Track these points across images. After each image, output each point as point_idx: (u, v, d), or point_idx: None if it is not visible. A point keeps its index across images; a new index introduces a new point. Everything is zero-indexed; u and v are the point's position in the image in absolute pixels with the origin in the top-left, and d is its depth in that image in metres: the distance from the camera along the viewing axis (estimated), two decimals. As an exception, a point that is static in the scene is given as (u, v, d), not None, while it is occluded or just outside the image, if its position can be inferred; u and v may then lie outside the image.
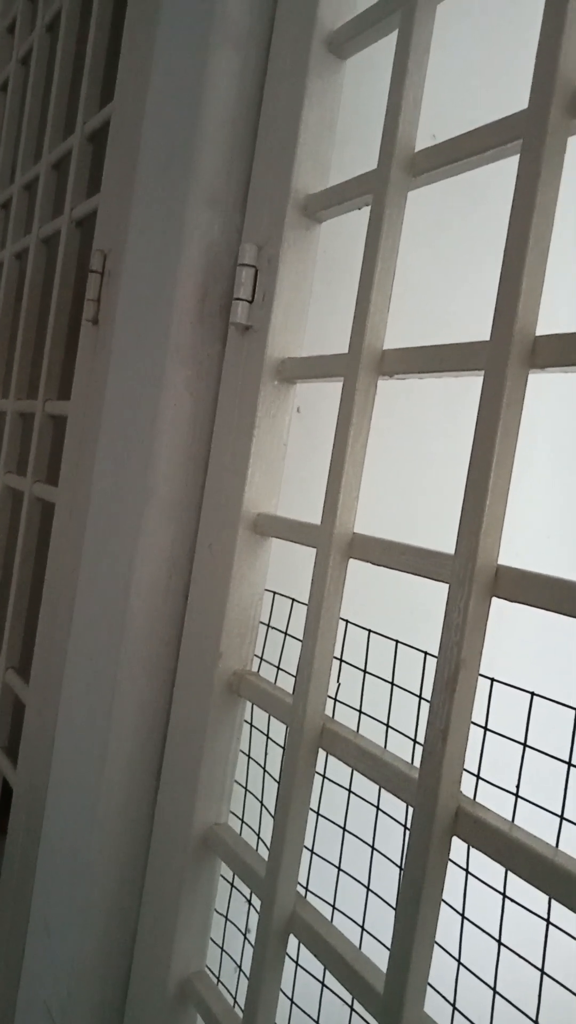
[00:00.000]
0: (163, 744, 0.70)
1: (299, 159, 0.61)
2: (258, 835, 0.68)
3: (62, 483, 0.86)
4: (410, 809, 0.44)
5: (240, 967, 0.66)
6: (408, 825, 0.52)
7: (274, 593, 0.67)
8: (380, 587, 0.69)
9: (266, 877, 0.55)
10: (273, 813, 0.63)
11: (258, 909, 0.57)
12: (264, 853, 0.60)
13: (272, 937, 0.55)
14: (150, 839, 0.70)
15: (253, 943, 0.56)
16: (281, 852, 0.54)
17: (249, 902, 0.67)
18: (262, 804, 0.67)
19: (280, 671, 0.66)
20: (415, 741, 0.55)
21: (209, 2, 0.65)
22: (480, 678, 0.44)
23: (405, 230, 0.53)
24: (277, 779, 0.67)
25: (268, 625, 0.68)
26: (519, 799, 0.47)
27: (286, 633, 0.66)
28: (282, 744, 0.65)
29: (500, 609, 0.44)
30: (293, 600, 0.66)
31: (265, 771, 0.67)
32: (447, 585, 0.44)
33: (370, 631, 0.59)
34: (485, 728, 0.50)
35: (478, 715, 0.45)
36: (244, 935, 0.67)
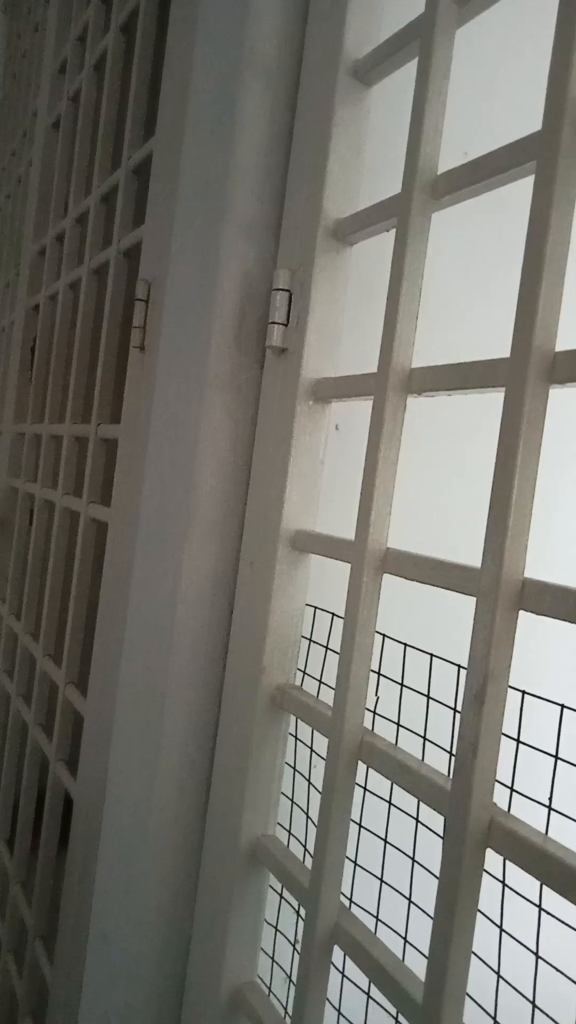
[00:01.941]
0: (212, 757, 0.71)
1: (328, 185, 0.63)
2: (304, 846, 0.69)
3: (114, 504, 0.89)
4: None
5: (290, 977, 0.67)
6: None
7: (315, 608, 0.69)
8: (419, 600, 0.70)
9: (310, 888, 0.56)
10: (318, 825, 0.64)
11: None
12: (310, 864, 0.61)
13: (316, 947, 0.56)
14: (201, 850, 0.72)
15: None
16: (323, 863, 0.55)
17: (298, 913, 0.68)
18: (307, 816, 0.68)
19: (323, 684, 0.67)
20: (451, 753, 0.55)
21: (239, 38, 0.68)
22: (511, 690, 0.44)
23: (441, 250, 0.54)
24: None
25: (310, 639, 0.69)
26: (551, 811, 0.47)
27: (327, 647, 0.68)
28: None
29: (536, 622, 0.44)
30: (333, 615, 0.68)
31: (310, 783, 0.68)
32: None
33: (406, 645, 0.60)
34: (517, 740, 0.50)
35: (511, 727, 0.46)
36: (293, 946, 0.68)
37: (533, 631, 0.49)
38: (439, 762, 0.53)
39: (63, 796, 1.05)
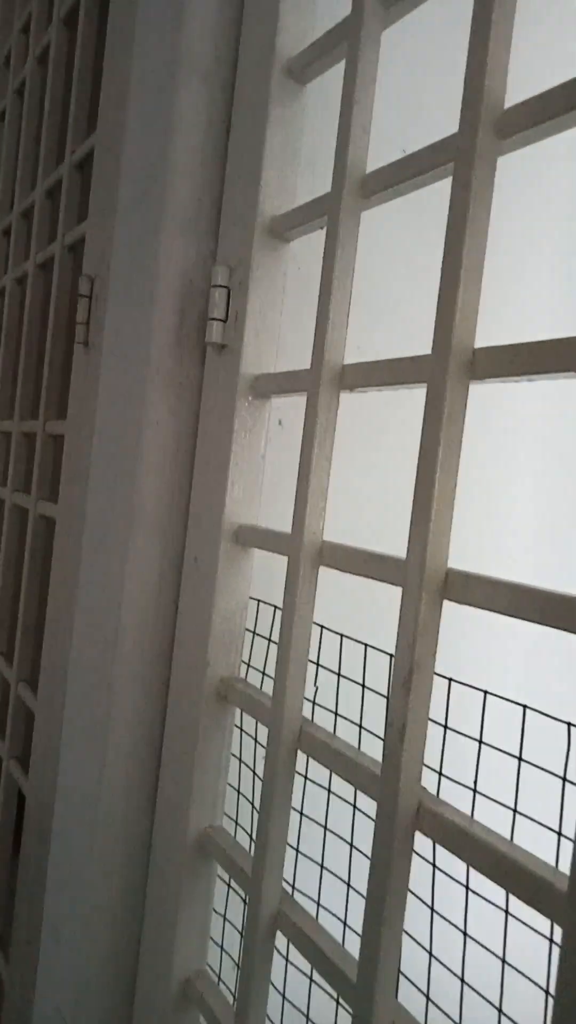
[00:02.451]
0: (159, 751, 0.72)
1: (265, 182, 0.64)
2: (251, 836, 0.70)
3: (61, 501, 0.89)
4: (376, 806, 0.46)
5: (239, 965, 0.69)
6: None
7: (259, 601, 0.69)
8: (356, 592, 0.71)
9: (252, 876, 0.58)
10: (263, 815, 0.65)
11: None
12: (255, 854, 0.62)
13: (260, 934, 0.57)
14: (150, 843, 0.72)
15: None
16: (265, 851, 0.56)
17: (245, 901, 0.69)
18: (253, 806, 0.69)
19: (267, 677, 0.68)
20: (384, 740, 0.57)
21: (176, 37, 0.68)
22: (438, 678, 0.46)
23: (383, 245, 0.55)
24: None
25: (254, 632, 0.70)
26: (477, 795, 0.48)
27: (270, 639, 0.69)
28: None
29: (468, 612, 0.45)
30: (276, 607, 0.69)
31: (255, 774, 0.69)
32: (402, 590, 0.46)
33: (342, 635, 0.61)
34: (445, 726, 0.52)
35: (439, 714, 0.47)
36: (241, 934, 0.69)
37: (463, 621, 0.50)
38: (378, 752, 0.54)
39: (16, 794, 1.05)
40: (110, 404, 0.77)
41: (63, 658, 0.83)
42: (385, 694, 0.57)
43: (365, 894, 0.45)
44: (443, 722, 0.51)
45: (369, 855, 0.46)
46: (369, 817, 0.59)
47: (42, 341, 1.12)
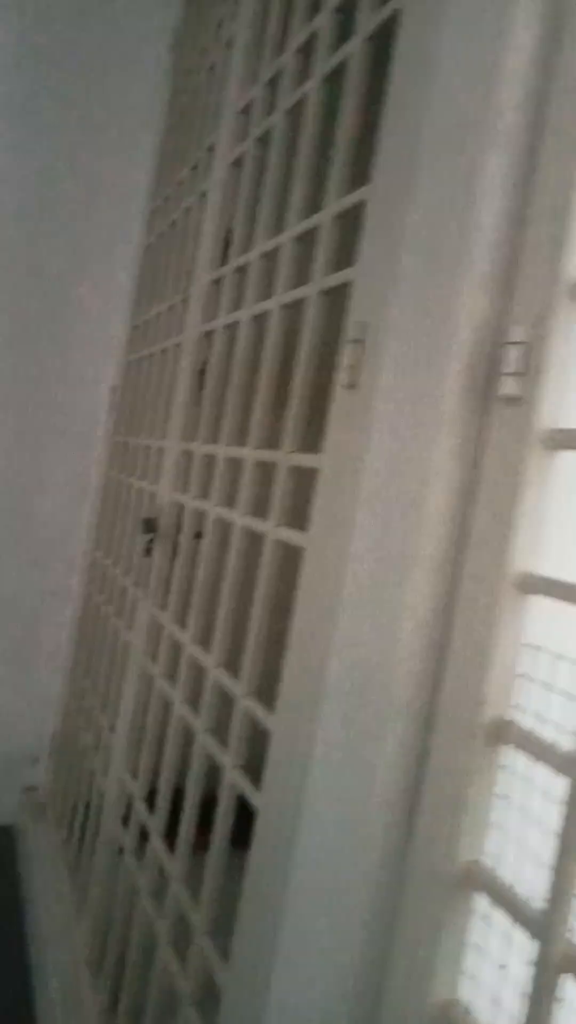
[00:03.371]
0: (418, 786, 0.75)
1: (568, 248, 0.67)
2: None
3: (313, 530, 0.94)
4: None
5: (496, 1001, 0.71)
6: None
7: (536, 647, 0.72)
8: None
9: (544, 916, 0.59)
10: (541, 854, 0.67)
11: (527, 945, 0.62)
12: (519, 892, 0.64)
13: (548, 975, 0.59)
14: (403, 870, 0.75)
15: (523, 979, 0.60)
16: (562, 893, 0.58)
17: (511, 938, 0.71)
18: (520, 847, 0.71)
19: (542, 721, 0.70)
20: None
21: (483, 104, 0.72)
22: None
23: None
24: (536, 821, 0.71)
25: (529, 678, 0.72)
26: None
27: (549, 686, 0.70)
28: (542, 789, 0.69)
29: None
30: (556, 655, 0.71)
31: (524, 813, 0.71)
32: None
33: None
34: None
35: None
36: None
37: None
38: None
39: (236, 800, 1.11)
40: (383, 447, 0.81)
41: (313, 684, 0.88)
42: None
43: None
44: None
45: None
46: None
47: (281, 378, 1.19)
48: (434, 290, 0.76)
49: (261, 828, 0.97)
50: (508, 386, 0.70)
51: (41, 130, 2.26)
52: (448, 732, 0.72)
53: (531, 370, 0.69)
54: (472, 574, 0.73)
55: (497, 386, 0.71)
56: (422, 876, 0.73)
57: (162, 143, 2.20)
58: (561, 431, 0.67)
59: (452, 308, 0.73)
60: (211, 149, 1.69)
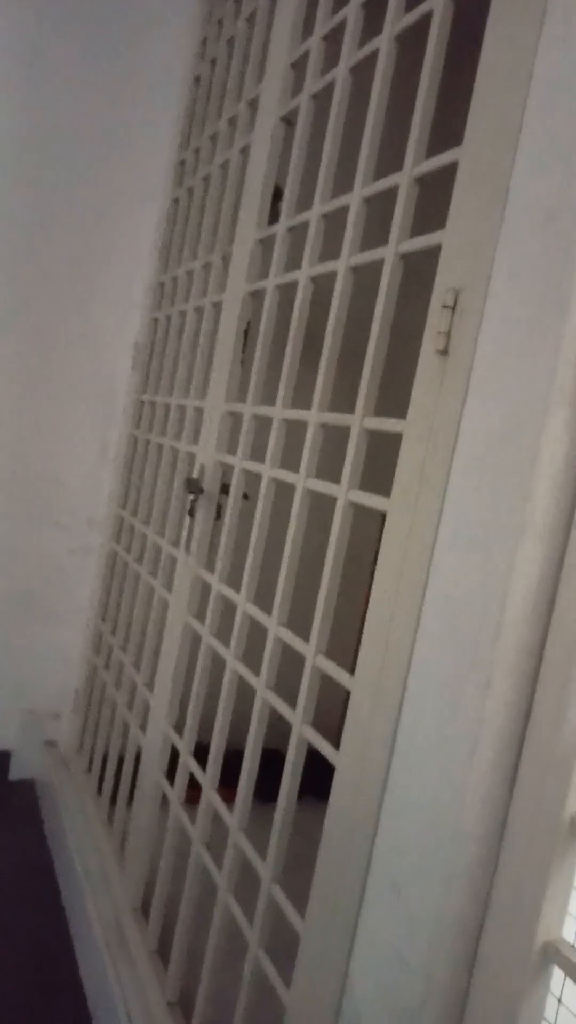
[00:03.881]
0: (521, 738, 0.78)
1: None
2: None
3: (395, 495, 0.96)
4: None
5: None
6: None
7: None
8: None
9: None
10: None
11: None
12: None
13: None
14: (506, 819, 0.79)
15: None
16: None
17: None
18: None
19: None
20: None
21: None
22: None
23: None
24: None
25: None
26: None
27: None
28: None
29: None
30: None
31: None
32: None
33: None
34: None
35: None
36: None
37: None
38: None
39: (306, 755, 1.15)
40: (486, 415, 0.83)
41: (399, 648, 0.91)
42: None
43: None
44: None
45: None
46: None
47: (347, 341, 1.19)
48: (547, 266, 0.77)
49: (338, 786, 1.00)
50: (626, 357, 0.71)
51: (63, 81, 2.20)
52: (553, 685, 0.75)
53: None
54: (583, 540, 0.75)
55: (612, 357, 0.73)
56: (527, 824, 0.76)
57: (190, 94, 2.15)
58: None
59: (563, 280, 0.74)
60: (253, 103, 1.66)
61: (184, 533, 1.68)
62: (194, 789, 1.52)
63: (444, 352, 0.90)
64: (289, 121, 1.49)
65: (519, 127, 0.83)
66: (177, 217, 2.14)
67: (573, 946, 0.75)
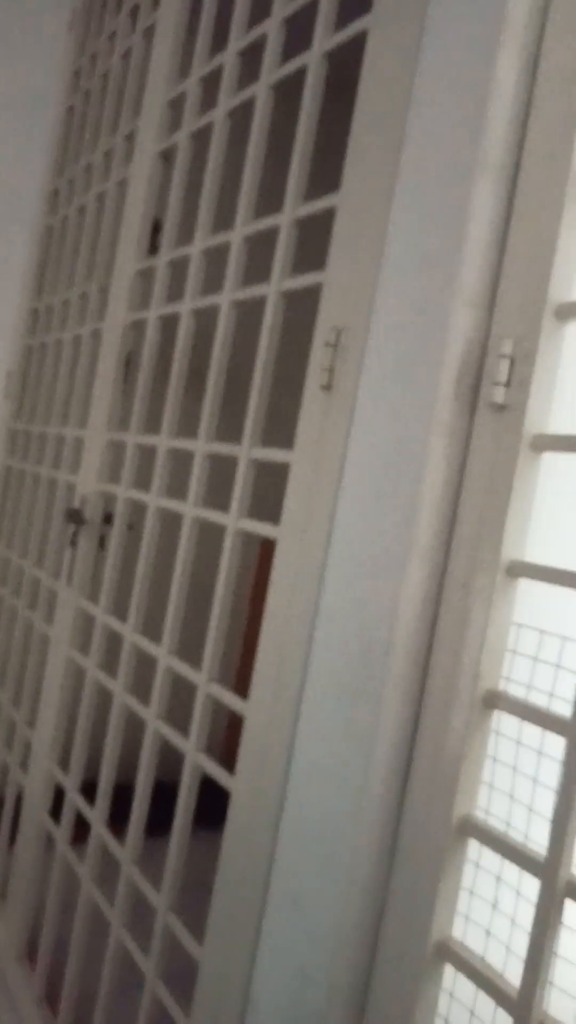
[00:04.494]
0: (411, 748, 0.83)
1: (555, 273, 0.76)
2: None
3: (285, 523, 1.00)
4: None
5: (489, 932, 0.80)
6: None
7: (518, 625, 0.81)
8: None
9: (546, 861, 0.69)
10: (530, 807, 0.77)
11: (518, 883, 0.71)
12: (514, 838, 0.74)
13: (552, 903, 0.68)
14: (398, 827, 0.83)
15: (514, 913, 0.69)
16: (564, 831, 0.68)
17: (498, 882, 0.81)
18: (512, 799, 0.81)
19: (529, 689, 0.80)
20: None
21: (473, 139, 0.80)
22: None
23: None
24: (527, 777, 0.81)
25: (515, 652, 0.82)
26: None
27: (535, 659, 0.80)
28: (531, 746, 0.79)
29: None
30: (540, 631, 0.80)
31: (515, 771, 0.81)
32: None
33: None
34: None
35: None
36: (496, 908, 0.81)
37: None
38: None
39: (199, 781, 1.16)
40: (368, 446, 0.88)
41: (291, 670, 0.94)
42: None
43: None
44: None
45: None
46: None
47: (233, 372, 1.23)
48: (423, 305, 0.83)
49: (234, 810, 1.02)
50: (497, 395, 0.78)
51: None
52: (439, 704, 0.81)
53: (518, 381, 0.78)
54: (462, 560, 0.81)
55: (486, 394, 0.80)
56: (418, 828, 0.81)
57: (63, 124, 2.14)
58: (545, 436, 0.77)
59: (443, 324, 0.80)
60: (130, 137, 1.68)
61: (65, 565, 1.65)
62: (80, 828, 1.49)
63: (328, 387, 0.95)
64: (167, 157, 1.52)
65: (394, 177, 0.90)
66: (51, 245, 2.12)
67: (463, 943, 0.79)
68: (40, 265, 2.18)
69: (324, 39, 1.06)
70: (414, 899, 0.81)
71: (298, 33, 1.19)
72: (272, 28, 1.19)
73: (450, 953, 0.79)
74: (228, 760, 1.05)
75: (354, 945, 0.83)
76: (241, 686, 1.04)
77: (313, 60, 1.08)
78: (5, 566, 2.11)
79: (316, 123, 1.09)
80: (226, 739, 1.05)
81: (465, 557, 0.81)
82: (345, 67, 1.06)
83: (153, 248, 1.55)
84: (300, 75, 1.12)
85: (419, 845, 0.81)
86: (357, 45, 1.00)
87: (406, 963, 0.81)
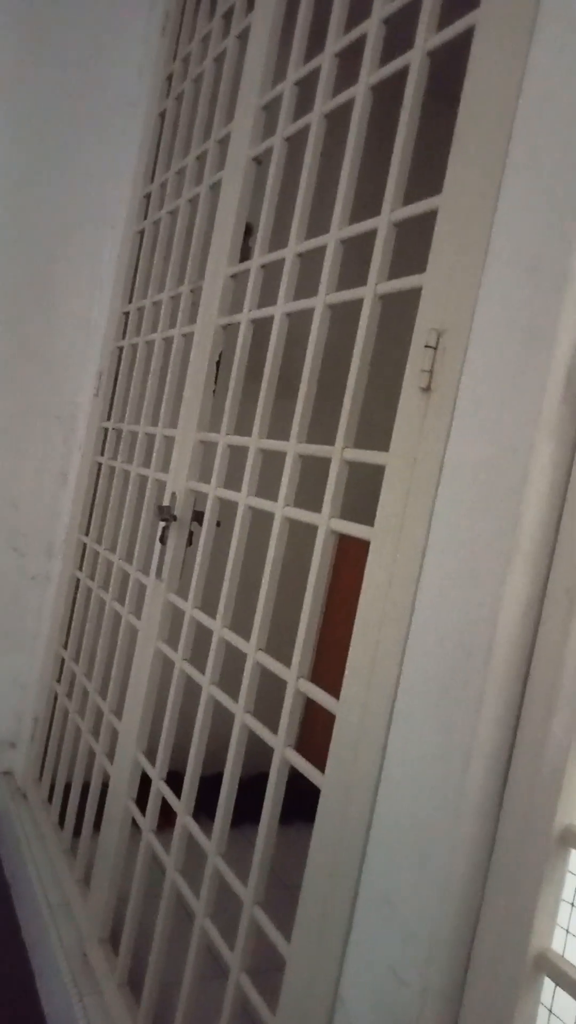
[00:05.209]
0: (510, 754, 0.82)
1: None
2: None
3: (379, 524, 1.00)
4: None
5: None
6: None
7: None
8: None
9: None
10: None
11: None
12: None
13: None
14: (495, 833, 0.83)
15: None
16: None
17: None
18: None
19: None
20: None
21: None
22: None
23: None
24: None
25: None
26: None
27: None
28: None
29: None
30: None
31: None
32: None
33: None
34: None
35: None
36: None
37: None
38: None
39: (288, 777, 1.17)
40: (470, 448, 0.87)
41: (386, 672, 0.94)
42: None
43: None
44: None
45: None
46: None
47: (323, 375, 1.23)
48: (532, 310, 0.82)
49: (324, 810, 1.03)
50: (605, 397, 0.77)
51: (26, 110, 2.22)
52: (537, 703, 0.80)
53: (628, 383, 0.76)
54: (566, 563, 0.80)
55: (591, 396, 0.79)
56: (517, 838, 0.80)
57: (155, 129, 2.19)
58: None
59: (554, 329, 0.79)
60: (223, 141, 1.71)
61: (155, 559, 1.69)
62: (164, 817, 1.52)
63: (427, 389, 0.95)
64: (260, 161, 1.54)
65: (500, 177, 0.89)
66: (142, 248, 2.17)
67: (562, 956, 0.78)
68: (131, 269, 2.23)
69: (427, 37, 1.06)
70: (513, 907, 0.80)
71: (396, 33, 1.19)
72: (372, 27, 1.19)
73: (549, 966, 0.78)
74: (303, 754, 1.07)
75: (449, 948, 0.83)
76: (315, 680, 1.05)
77: (416, 59, 1.07)
78: (94, 560, 2.17)
79: (417, 123, 1.09)
80: (301, 733, 1.06)
81: (569, 563, 0.80)
82: (455, 60, 1.05)
83: (245, 252, 1.57)
84: (397, 76, 1.12)
85: (517, 854, 0.80)
86: (460, 43, 0.99)
87: (504, 972, 0.80)
